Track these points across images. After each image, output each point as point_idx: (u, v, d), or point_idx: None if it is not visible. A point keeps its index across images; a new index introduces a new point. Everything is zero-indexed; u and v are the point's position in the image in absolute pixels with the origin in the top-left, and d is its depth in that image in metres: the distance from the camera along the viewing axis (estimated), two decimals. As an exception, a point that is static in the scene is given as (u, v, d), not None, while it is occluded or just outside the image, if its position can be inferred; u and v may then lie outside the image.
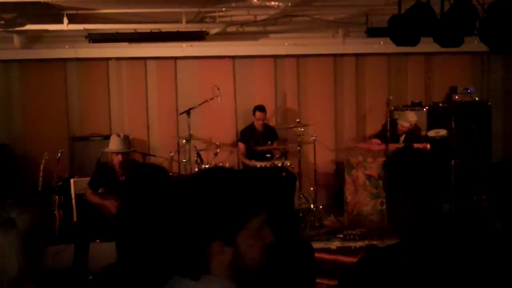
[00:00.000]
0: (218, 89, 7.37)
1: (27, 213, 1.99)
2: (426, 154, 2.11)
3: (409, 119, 7.47)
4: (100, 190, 5.68)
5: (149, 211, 2.06)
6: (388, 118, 7.22)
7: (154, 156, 7.59)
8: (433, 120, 8.11)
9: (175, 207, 1.45)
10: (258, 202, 1.44)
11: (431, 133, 7.80)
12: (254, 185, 1.46)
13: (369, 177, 7.02)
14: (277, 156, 7.51)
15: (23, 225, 1.96)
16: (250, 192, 1.44)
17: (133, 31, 6.86)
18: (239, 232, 1.40)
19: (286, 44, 8.31)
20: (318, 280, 5.34)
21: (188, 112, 7.39)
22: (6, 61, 8.00)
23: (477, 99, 8.43)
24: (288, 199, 2.45)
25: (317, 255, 6.31)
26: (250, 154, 7.65)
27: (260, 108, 7.74)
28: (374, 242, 6.47)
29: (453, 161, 7.41)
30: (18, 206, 2.01)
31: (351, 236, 6.64)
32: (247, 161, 7.58)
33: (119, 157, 5.48)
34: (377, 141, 7.39)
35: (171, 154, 7.38)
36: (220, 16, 6.82)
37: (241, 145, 7.89)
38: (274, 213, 1.82)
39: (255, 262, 1.44)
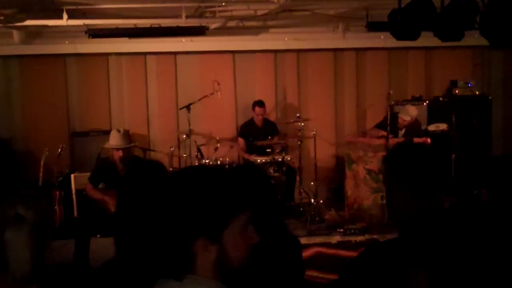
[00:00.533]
0: (218, 84, 7.37)
1: (33, 208, 2.00)
2: (426, 148, 2.11)
3: (409, 113, 7.45)
4: (100, 185, 5.69)
5: (141, 207, 2.07)
6: (389, 112, 7.20)
7: (154, 151, 7.60)
8: (434, 114, 8.09)
9: (161, 202, 1.46)
10: (242, 200, 1.47)
11: (432, 127, 7.79)
12: (239, 183, 1.49)
13: (369, 171, 7.01)
14: (278, 150, 7.51)
15: (31, 220, 1.97)
16: (235, 190, 1.46)
17: (133, 26, 6.85)
18: (224, 229, 1.41)
19: (286, 38, 8.29)
20: (318, 275, 5.37)
21: (188, 107, 7.39)
22: (5, 57, 7.98)
23: (477, 93, 8.42)
24: (273, 196, 2.44)
25: (317, 249, 6.35)
26: (251, 149, 7.65)
27: (259, 103, 7.73)
28: (375, 236, 6.47)
29: (453, 155, 7.40)
30: (23, 202, 2.02)
31: (352, 231, 6.64)
32: (247, 156, 7.58)
33: (120, 153, 5.48)
34: (383, 132, 7.10)
35: (171, 149, 7.39)
36: (220, 11, 6.80)
37: (240, 140, 7.89)
38: (260, 210, 1.82)
39: (239, 262, 1.45)
